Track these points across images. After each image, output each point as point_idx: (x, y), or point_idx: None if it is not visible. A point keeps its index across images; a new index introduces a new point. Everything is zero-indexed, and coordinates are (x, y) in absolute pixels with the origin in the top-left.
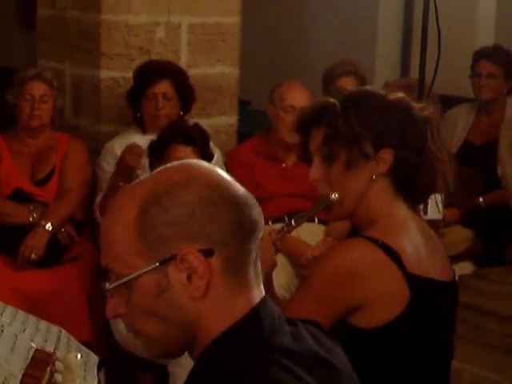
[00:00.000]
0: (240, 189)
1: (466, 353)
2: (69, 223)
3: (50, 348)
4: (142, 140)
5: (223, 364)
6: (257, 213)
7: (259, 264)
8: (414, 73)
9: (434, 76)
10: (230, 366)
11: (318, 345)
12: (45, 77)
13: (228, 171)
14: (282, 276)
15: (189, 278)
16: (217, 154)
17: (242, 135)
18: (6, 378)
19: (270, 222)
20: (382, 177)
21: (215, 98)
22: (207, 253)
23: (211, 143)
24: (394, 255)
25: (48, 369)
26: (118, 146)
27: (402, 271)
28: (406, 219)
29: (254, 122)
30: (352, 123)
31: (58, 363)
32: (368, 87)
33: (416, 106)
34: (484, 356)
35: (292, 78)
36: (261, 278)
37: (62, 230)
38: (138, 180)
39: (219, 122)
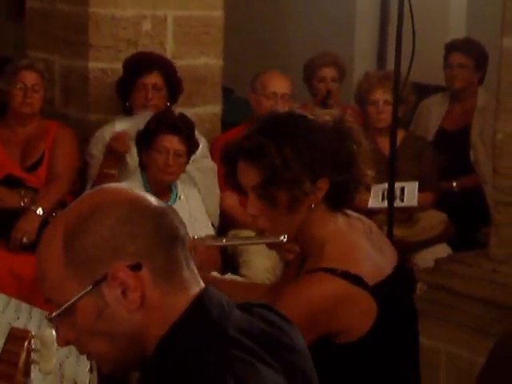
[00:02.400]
0: (157, 201)
1: (441, 333)
2: (60, 208)
3: None
4: (128, 124)
5: (177, 351)
6: (177, 220)
7: (192, 265)
8: (391, 65)
9: (410, 67)
10: (186, 351)
11: (270, 326)
12: (37, 67)
13: (213, 158)
14: (267, 260)
15: (123, 293)
16: (202, 143)
17: (226, 123)
18: None
19: None
20: (318, 203)
21: (199, 89)
22: (135, 267)
23: (196, 132)
24: (355, 280)
25: (25, 345)
26: (108, 134)
27: (366, 290)
28: (349, 232)
29: (237, 110)
30: (290, 163)
31: (34, 341)
32: (297, 111)
33: (337, 118)
34: (459, 335)
35: (274, 69)
36: (198, 277)
37: (54, 214)
38: (61, 211)
39: (204, 111)
